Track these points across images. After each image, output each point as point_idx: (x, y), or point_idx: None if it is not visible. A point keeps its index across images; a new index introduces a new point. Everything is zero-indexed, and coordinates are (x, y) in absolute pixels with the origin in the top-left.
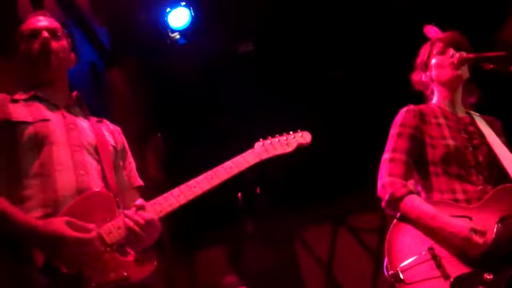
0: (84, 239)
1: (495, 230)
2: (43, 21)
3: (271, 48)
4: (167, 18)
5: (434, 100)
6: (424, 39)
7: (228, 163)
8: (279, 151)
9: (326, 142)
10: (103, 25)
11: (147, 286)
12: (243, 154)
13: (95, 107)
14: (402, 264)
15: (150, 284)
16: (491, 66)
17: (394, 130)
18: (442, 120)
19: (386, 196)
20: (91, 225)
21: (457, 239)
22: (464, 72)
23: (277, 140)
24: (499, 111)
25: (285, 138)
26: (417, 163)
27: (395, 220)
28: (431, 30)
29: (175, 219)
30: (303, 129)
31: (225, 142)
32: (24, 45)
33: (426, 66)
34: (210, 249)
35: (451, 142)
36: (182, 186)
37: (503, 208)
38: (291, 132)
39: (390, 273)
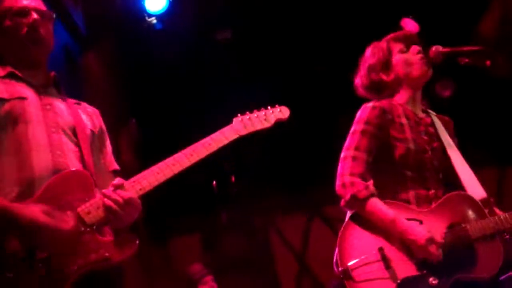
0: (58, 228)
1: (444, 237)
2: (32, 1)
3: (249, 35)
4: (144, 2)
5: (395, 98)
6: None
7: (207, 139)
8: (258, 126)
9: (302, 131)
10: (78, 7)
11: (124, 269)
12: (222, 130)
13: (69, 91)
14: (352, 262)
15: (126, 268)
16: (467, 60)
17: (358, 127)
18: (404, 120)
19: (347, 196)
20: (70, 219)
21: (414, 245)
22: (431, 69)
23: (255, 115)
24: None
25: (263, 113)
26: (375, 161)
27: (347, 219)
28: (408, 23)
29: (151, 205)
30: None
31: (200, 129)
32: (10, 22)
33: (388, 66)
34: (184, 237)
35: (411, 145)
36: (161, 164)
37: (452, 215)
38: (269, 107)
39: (340, 269)
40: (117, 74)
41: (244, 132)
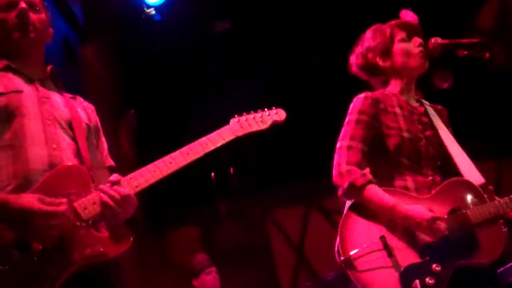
0: (53, 212)
1: (445, 222)
2: None
3: (248, 26)
4: None
5: (389, 87)
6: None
7: (204, 139)
8: (254, 128)
9: (301, 122)
10: None
11: (119, 263)
12: (219, 131)
13: (68, 83)
14: (354, 251)
15: (122, 261)
16: (465, 52)
17: (352, 117)
18: (397, 110)
19: (345, 185)
20: (62, 200)
21: (420, 228)
22: (428, 63)
23: (252, 117)
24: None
25: (260, 115)
26: (370, 151)
27: (346, 209)
28: (407, 15)
29: (149, 197)
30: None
31: (199, 120)
32: (0, 16)
33: (387, 52)
34: (182, 228)
35: (405, 134)
36: (158, 162)
37: (452, 201)
38: (266, 109)
39: (342, 258)
40: (116, 65)
41: (240, 133)
